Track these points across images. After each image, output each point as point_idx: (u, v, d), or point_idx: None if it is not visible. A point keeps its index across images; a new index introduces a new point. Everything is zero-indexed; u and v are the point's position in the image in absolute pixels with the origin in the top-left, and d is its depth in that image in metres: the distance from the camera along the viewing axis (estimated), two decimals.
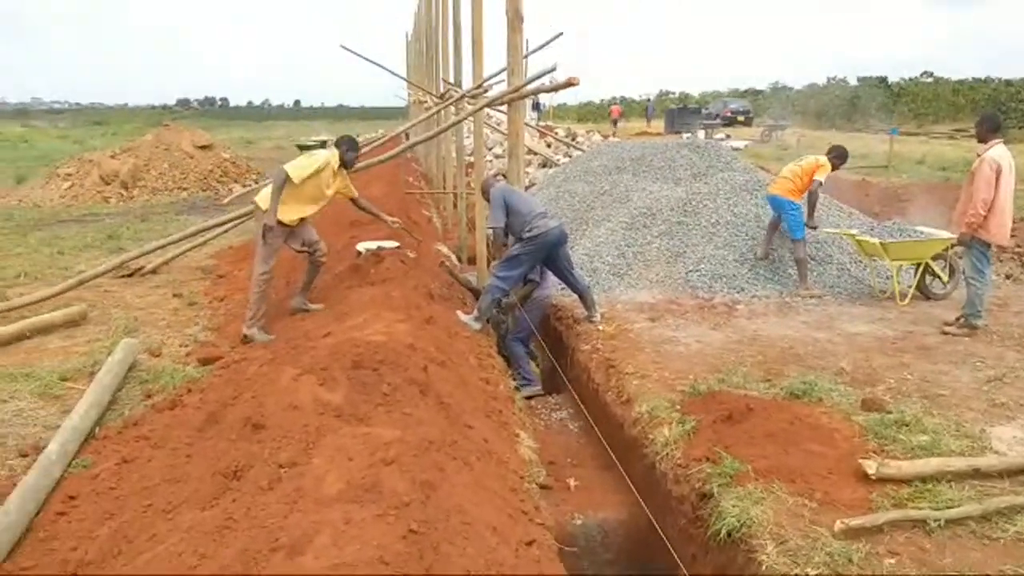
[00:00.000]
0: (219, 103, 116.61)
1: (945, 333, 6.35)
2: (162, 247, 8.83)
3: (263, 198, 6.06)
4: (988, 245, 6.34)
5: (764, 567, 3.23)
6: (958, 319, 6.47)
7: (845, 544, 3.26)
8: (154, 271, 8.77)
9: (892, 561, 3.18)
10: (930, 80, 47.57)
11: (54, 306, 6.88)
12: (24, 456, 4.07)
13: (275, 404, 3.92)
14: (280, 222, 5.94)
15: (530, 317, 6.82)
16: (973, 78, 46.14)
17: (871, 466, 3.77)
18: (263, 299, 6.05)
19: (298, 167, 5.98)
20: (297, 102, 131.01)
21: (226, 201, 13.83)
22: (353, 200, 6.71)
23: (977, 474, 3.82)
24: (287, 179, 5.87)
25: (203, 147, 18.81)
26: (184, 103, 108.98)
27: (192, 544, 2.84)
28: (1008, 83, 37.73)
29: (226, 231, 9.54)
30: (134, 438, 4.20)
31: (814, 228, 8.03)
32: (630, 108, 60.06)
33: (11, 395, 4.89)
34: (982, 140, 6.46)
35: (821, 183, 7.80)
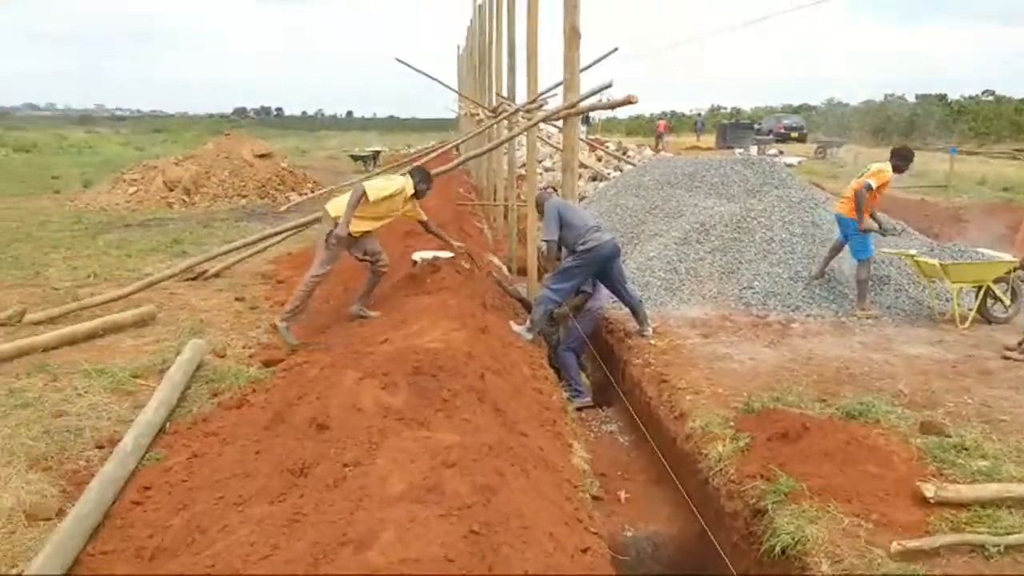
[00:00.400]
0: (274, 112, 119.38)
1: (1006, 358, 6.22)
2: (225, 253, 9.14)
3: (335, 206, 6.33)
4: None
5: None
6: (1020, 343, 6.33)
7: (901, 565, 3.25)
8: (217, 275, 9.07)
9: None
10: (991, 98, 46.33)
11: (123, 307, 7.17)
12: (100, 448, 4.28)
13: (338, 406, 4.06)
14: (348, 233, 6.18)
15: (583, 328, 6.89)
16: None
17: (929, 489, 3.73)
18: (306, 299, 6.40)
19: (376, 188, 6.29)
20: (349, 113, 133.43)
21: (283, 209, 14.24)
22: (423, 223, 7.07)
23: None
24: (363, 196, 6.15)
25: (262, 156, 19.34)
26: (241, 112, 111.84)
27: (264, 535, 2.98)
28: None
29: (285, 239, 9.81)
30: (204, 434, 4.39)
31: (881, 232, 7.81)
32: (680, 123, 59.76)
33: (86, 390, 5.13)
34: None
35: (870, 186, 7.47)
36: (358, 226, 6.31)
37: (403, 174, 6.91)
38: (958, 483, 3.91)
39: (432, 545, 2.64)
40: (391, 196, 6.37)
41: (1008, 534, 3.46)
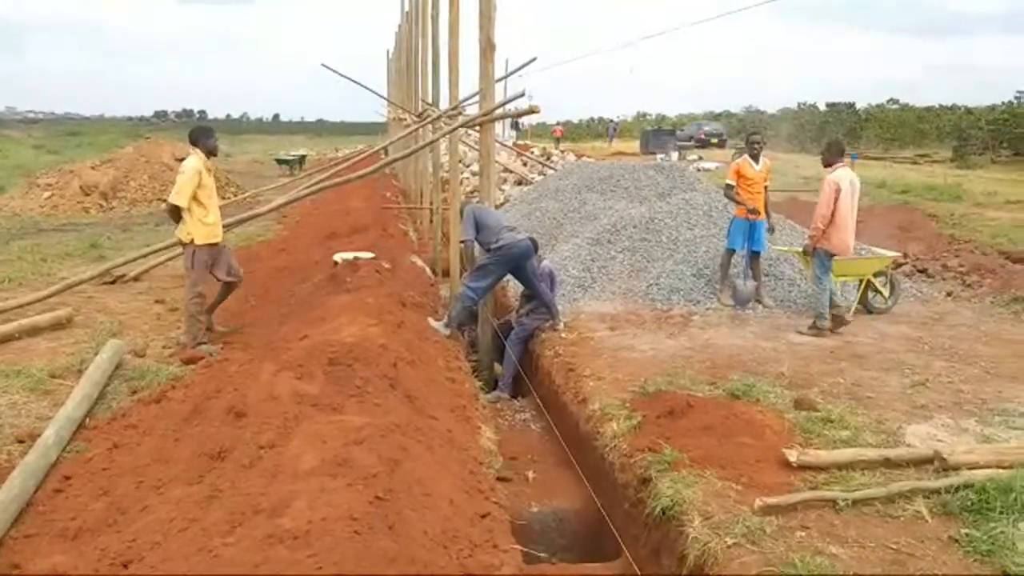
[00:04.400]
0: (197, 115, 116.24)
1: (800, 334, 7.10)
2: (144, 256, 9.15)
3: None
4: (830, 255, 7.13)
5: (690, 538, 3.65)
6: (811, 326, 7.18)
7: (762, 519, 3.69)
8: (136, 279, 9.07)
9: (802, 534, 3.62)
10: (896, 107, 49.03)
11: (40, 310, 7.16)
12: (21, 442, 4.38)
13: (256, 396, 4.28)
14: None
15: (534, 323, 7.36)
16: (940, 105, 47.75)
17: (792, 455, 4.21)
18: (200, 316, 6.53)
19: (180, 191, 6.27)
20: (276, 116, 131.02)
21: None
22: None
23: (888, 463, 4.27)
24: (173, 207, 6.32)
25: (182, 159, 19.06)
26: (161, 115, 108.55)
27: (182, 512, 3.20)
28: (969, 111, 39.09)
29: None
30: (123, 427, 4.54)
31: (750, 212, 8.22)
32: (605, 128, 60.81)
33: (4, 390, 5.19)
34: (827, 164, 7.26)
35: (729, 184, 8.31)
36: (203, 231, 6.34)
37: (182, 158, 6.88)
38: (819, 450, 4.40)
39: (339, 509, 2.91)
40: (198, 182, 6.27)
41: (856, 490, 3.95)
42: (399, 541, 2.71)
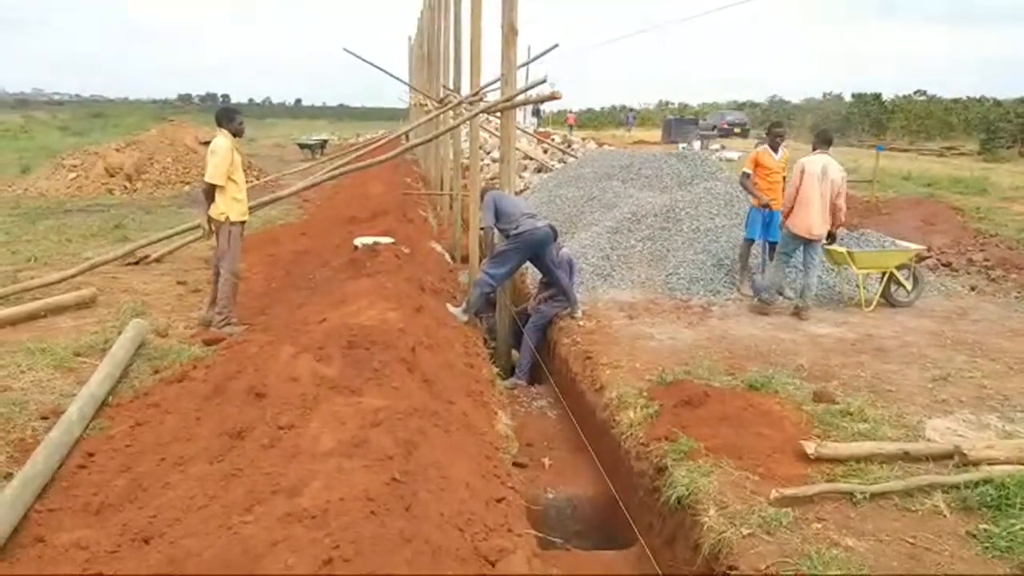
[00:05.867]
0: (220, 99, 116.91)
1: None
2: (167, 237, 9.25)
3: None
4: (794, 236, 7.34)
5: (706, 527, 3.65)
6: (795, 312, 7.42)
7: (778, 510, 3.68)
8: (159, 260, 9.17)
9: (818, 526, 3.61)
10: (923, 98, 48.23)
11: (64, 289, 7.27)
12: (44, 419, 4.46)
13: (275, 377, 4.33)
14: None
15: (552, 310, 7.37)
16: (968, 96, 46.90)
17: (810, 447, 4.19)
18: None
19: (215, 171, 6.40)
20: (298, 101, 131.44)
21: None
22: None
23: (907, 457, 4.24)
24: (209, 185, 6.46)
25: (206, 143, 19.12)
26: (185, 99, 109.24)
27: (203, 489, 3.25)
28: (998, 103, 38.36)
29: None
30: (146, 406, 4.62)
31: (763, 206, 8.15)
32: (624, 117, 60.48)
33: (29, 367, 5.28)
34: (813, 150, 7.54)
35: (746, 174, 8.26)
36: (237, 208, 6.56)
37: (205, 142, 7.04)
38: (837, 443, 4.37)
39: (356, 489, 2.95)
40: (230, 160, 6.43)
41: (874, 484, 3.93)
42: (415, 522, 2.74)
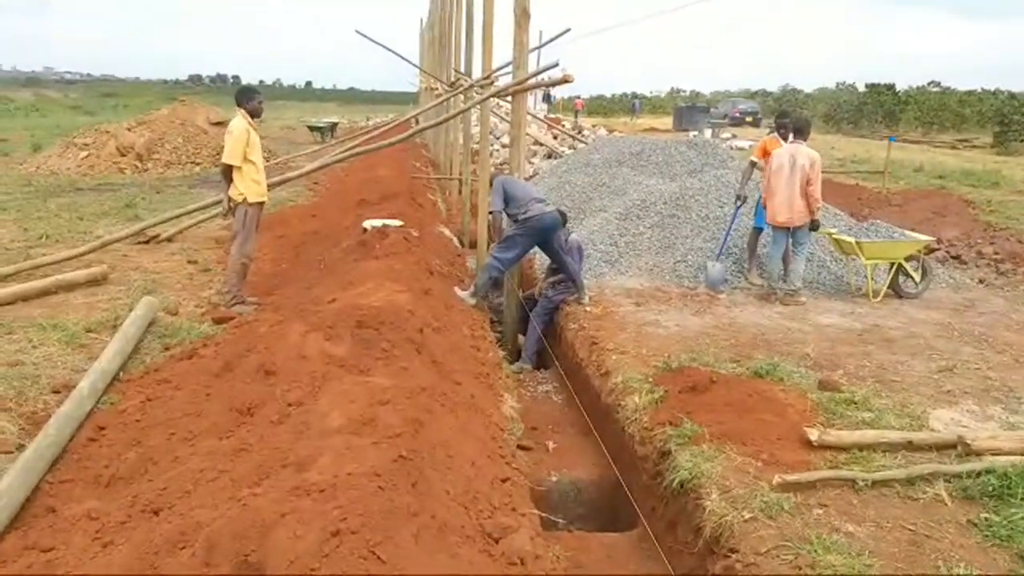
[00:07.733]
0: (231, 80, 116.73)
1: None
2: (178, 216, 9.31)
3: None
4: (772, 225, 7.63)
5: (708, 511, 3.69)
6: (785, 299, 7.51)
7: (780, 496, 3.71)
8: (170, 239, 9.22)
9: (820, 511, 3.63)
10: (937, 89, 47.77)
11: (76, 267, 7.33)
12: (56, 393, 4.53)
13: (285, 355, 4.38)
14: None
15: (559, 296, 7.41)
16: (982, 88, 46.40)
17: (813, 433, 4.21)
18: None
19: (232, 151, 6.46)
20: (308, 83, 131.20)
21: None
22: None
23: (910, 446, 4.26)
24: (229, 167, 6.52)
25: (217, 124, 19.23)
26: (196, 79, 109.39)
27: (212, 463, 3.30)
28: (1013, 96, 37.96)
29: None
30: (156, 381, 4.67)
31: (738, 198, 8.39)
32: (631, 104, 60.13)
33: (40, 342, 5.34)
34: (784, 139, 7.89)
35: (752, 162, 8.47)
36: (255, 190, 6.59)
37: (217, 122, 7.08)
38: (841, 430, 4.39)
39: (363, 465, 2.99)
40: (247, 141, 6.46)
41: (877, 471, 3.95)
42: (421, 498, 2.78)
